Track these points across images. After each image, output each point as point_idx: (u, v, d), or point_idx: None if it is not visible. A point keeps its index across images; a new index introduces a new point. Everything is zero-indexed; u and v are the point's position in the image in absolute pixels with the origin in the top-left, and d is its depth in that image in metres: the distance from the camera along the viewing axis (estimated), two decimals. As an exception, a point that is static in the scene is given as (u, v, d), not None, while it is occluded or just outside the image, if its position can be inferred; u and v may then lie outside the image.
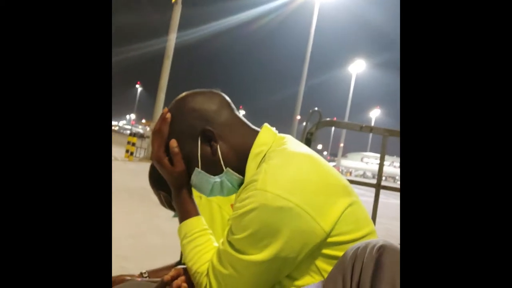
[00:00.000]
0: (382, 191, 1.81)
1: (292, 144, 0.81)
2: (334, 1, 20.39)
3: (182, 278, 0.83)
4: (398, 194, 0.80)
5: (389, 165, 46.05)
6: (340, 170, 43.51)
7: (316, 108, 1.93)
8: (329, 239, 0.71)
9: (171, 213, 1.15)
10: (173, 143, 0.82)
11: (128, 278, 1.11)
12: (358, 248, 0.62)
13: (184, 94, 0.86)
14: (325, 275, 0.71)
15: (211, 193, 0.85)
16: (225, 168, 0.81)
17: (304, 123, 1.92)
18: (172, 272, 0.85)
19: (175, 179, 0.84)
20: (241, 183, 0.82)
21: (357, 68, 37.35)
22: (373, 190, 1.81)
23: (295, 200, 0.69)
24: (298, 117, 17.71)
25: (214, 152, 0.81)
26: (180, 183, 0.85)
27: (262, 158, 0.79)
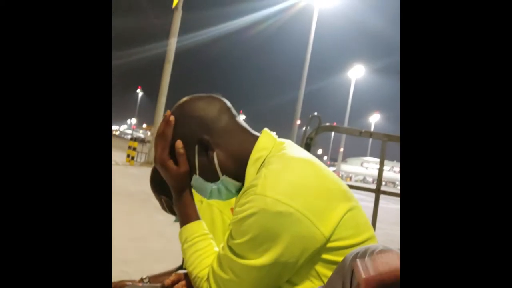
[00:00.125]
0: (382, 196, 1.82)
1: (292, 149, 0.81)
2: (333, 7, 20.48)
3: (183, 282, 0.83)
4: (398, 199, 0.81)
5: (389, 170, 45.91)
6: (340, 175, 43.38)
7: (315, 113, 1.93)
8: (329, 244, 0.72)
9: (172, 217, 1.15)
10: (179, 144, 0.82)
11: (129, 283, 1.11)
12: (358, 253, 0.62)
13: (184, 99, 0.86)
14: (325, 280, 0.71)
15: (210, 197, 0.86)
16: (222, 176, 0.82)
17: (304, 128, 1.93)
18: (172, 277, 0.85)
19: (178, 181, 0.84)
20: (239, 188, 0.83)
21: (357, 73, 37.39)
22: (373, 195, 1.81)
23: (295, 205, 0.69)
24: (298, 122, 17.70)
25: (211, 161, 0.81)
26: (182, 185, 0.85)
27: (262, 163, 0.79)
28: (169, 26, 12.61)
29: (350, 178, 48.28)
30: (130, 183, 6.69)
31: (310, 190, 0.72)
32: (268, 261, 0.70)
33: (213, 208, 1.16)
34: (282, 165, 0.75)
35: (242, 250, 0.72)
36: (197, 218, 0.86)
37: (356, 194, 0.88)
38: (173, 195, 0.87)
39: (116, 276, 1.19)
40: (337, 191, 0.76)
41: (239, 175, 0.81)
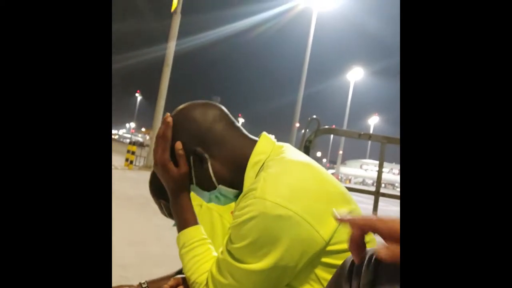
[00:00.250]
0: (381, 199, 1.82)
1: (291, 152, 0.81)
2: (332, 10, 20.55)
3: (181, 287, 0.83)
4: (397, 201, 0.81)
5: (388, 172, 45.98)
6: (340, 177, 43.42)
7: (314, 116, 1.93)
8: (329, 248, 0.71)
9: (171, 222, 1.14)
10: (179, 145, 0.82)
11: (128, 288, 1.10)
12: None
13: (179, 108, 0.86)
14: (325, 284, 0.71)
15: (209, 201, 0.87)
16: (218, 185, 0.82)
17: (303, 131, 1.93)
18: (171, 282, 0.84)
19: (178, 183, 0.84)
20: (238, 194, 0.82)
21: (355, 75, 37.42)
22: (372, 197, 1.81)
23: (294, 209, 0.69)
24: (297, 124, 17.73)
25: (206, 171, 0.82)
26: (181, 188, 0.85)
27: (261, 167, 0.79)
28: (168, 29, 12.65)
29: (350, 181, 48.29)
30: (128, 187, 6.68)
31: (309, 193, 0.72)
32: (267, 265, 0.70)
33: (213, 212, 1.15)
34: (281, 168, 0.75)
35: (241, 254, 0.72)
36: (195, 223, 0.86)
37: (356, 196, 0.88)
38: (171, 199, 0.87)
39: (115, 281, 1.18)
40: (336, 194, 0.76)
41: (235, 183, 0.81)
